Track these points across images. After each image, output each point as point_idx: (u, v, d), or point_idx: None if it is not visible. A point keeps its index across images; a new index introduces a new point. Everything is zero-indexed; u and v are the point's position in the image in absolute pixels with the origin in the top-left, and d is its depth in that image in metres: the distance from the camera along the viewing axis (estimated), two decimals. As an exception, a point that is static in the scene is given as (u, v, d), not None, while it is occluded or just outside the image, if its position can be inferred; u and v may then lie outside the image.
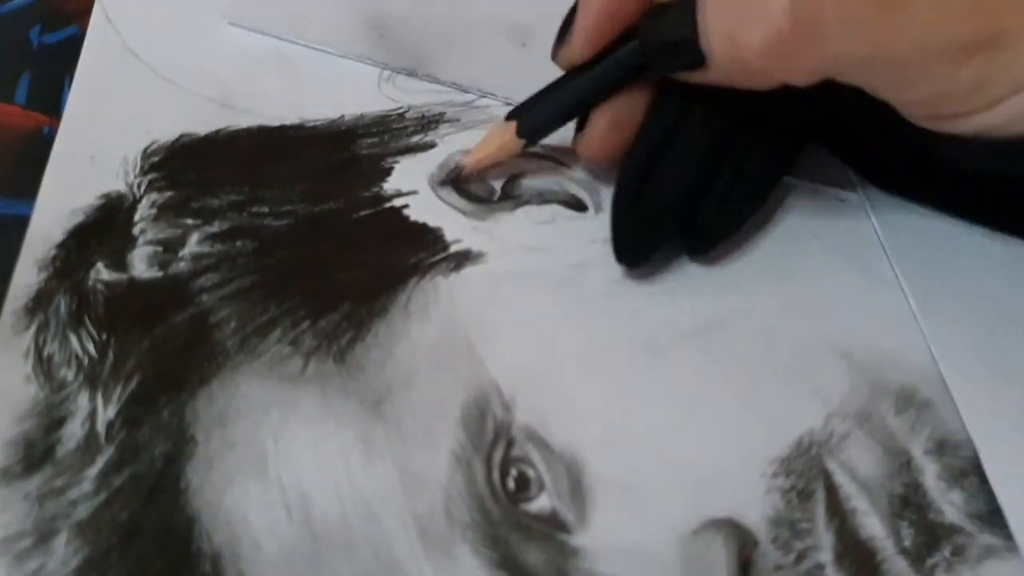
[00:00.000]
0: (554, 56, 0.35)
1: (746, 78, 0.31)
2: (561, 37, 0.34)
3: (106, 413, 0.31)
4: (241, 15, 0.42)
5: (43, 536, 0.29)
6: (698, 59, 0.31)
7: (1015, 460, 0.31)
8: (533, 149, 0.37)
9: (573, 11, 0.34)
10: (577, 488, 0.30)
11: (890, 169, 0.37)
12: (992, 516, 0.30)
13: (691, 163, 0.34)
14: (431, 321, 0.34)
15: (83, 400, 0.31)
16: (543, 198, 0.37)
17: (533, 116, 0.35)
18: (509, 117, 0.36)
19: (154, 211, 0.36)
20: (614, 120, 0.35)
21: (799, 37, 0.29)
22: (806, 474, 0.31)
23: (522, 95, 0.36)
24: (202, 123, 0.39)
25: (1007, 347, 0.34)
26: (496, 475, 0.31)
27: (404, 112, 0.39)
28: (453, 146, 0.38)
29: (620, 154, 0.35)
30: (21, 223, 0.35)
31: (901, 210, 0.37)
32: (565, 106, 0.35)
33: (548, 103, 0.35)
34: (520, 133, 0.35)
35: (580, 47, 0.34)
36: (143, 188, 0.37)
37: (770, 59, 0.29)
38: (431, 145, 0.38)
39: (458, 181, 0.37)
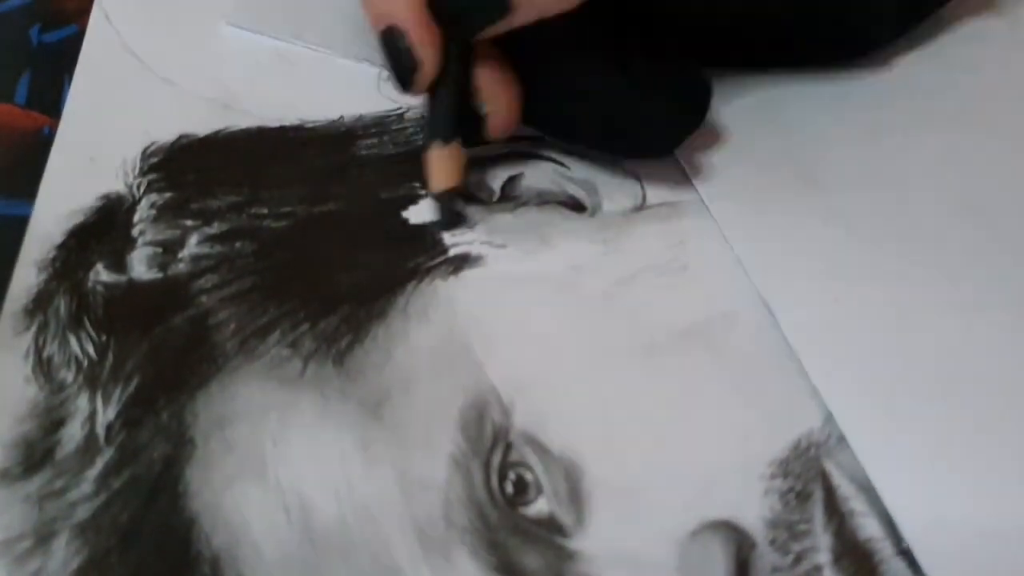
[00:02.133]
0: (409, 90, 0.34)
1: (553, 4, 0.31)
2: (403, 74, 0.34)
3: (106, 415, 0.31)
4: (241, 17, 0.42)
5: (43, 538, 0.29)
6: (503, 6, 0.31)
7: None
8: (533, 150, 0.37)
9: (393, 52, 0.33)
10: (575, 492, 0.30)
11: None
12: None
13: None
14: (430, 324, 0.34)
15: (83, 402, 0.31)
16: (542, 199, 0.37)
17: (440, 126, 0.35)
18: (427, 147, 0.35)
19: (153, 212, 0.36)
20: (496, 87, 0.35)
21: None
22: (804, 475, 0.31)
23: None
24: (201, 124, 0.39)
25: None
26: (495, 479, 0.31)
27: (403, 113, 0.39)
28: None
29: (520, 109, 0.35)
30: (21, 223, 0.35)
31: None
32: (453, 99, 0.35)
33: (440, 111, 0.35)
34: (446, 141, 0.35)
35: (428, 62, 0.33)
36: (142, 189, 0.37)
37: None
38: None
39: (442, 200, 0.36)
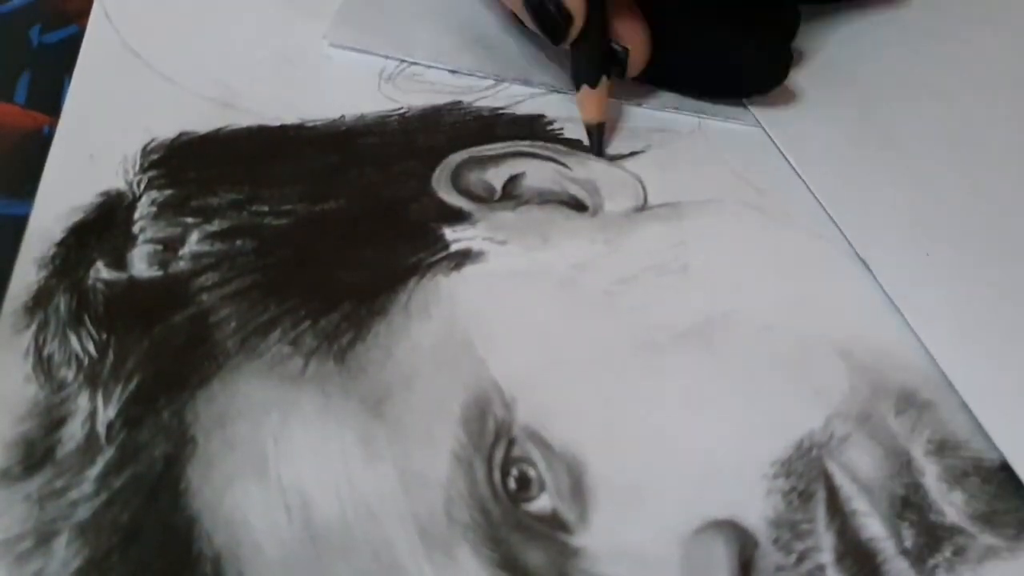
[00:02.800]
0: (562, 43, 0.37)
1: None
2: (557, 29, 0.37)
3: (106, 413, 0.31)
4: (342, 36, 0.42)
5: (44, 538, 0.29)
6: None
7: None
8: (535, 150, 0.38)
9: (543, 12, 0.37)
10: (578, 488, 0.30)
11: None
12: (993, 516, 0.30)
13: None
14: (432, 321, 0.34)
15: (83, 400, 0.31)
16: (543, 198, 0.37)
17: (587, 72, 0.39)
18: (579, 87, 0.39)
19: (154, 209, 0.36)
20: (632, 31, 0.38)
21: None
22: (807, 475, 0.31)
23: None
24: (202, 122, 0.39)
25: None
26: (497, 475, 0.31)
27: (404, 112, 0.39)
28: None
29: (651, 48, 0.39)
30: (21, 223, 0.35)
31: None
32: (596, 46, 0.38)
33: (586, 58, 0.39)
34: (592, 85, 0.39)
35: (578, 14, 0.36)
36: (143, 186, 0.37)
37: None
38: (431, 146, 0.38)
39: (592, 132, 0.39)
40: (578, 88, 0.39)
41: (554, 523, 0.30)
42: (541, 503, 0.30)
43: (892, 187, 0.38)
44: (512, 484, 0.30)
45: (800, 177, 0.38)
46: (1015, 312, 0.34)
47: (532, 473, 0.31)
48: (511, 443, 0.31)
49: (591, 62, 0.38)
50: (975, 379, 0.33)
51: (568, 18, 0.36)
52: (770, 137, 0.40)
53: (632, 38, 0.38)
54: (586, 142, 0.39)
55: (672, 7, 0.39)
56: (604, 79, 0.38)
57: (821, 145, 0.39)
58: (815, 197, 0.38)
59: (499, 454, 0.31)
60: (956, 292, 0.35)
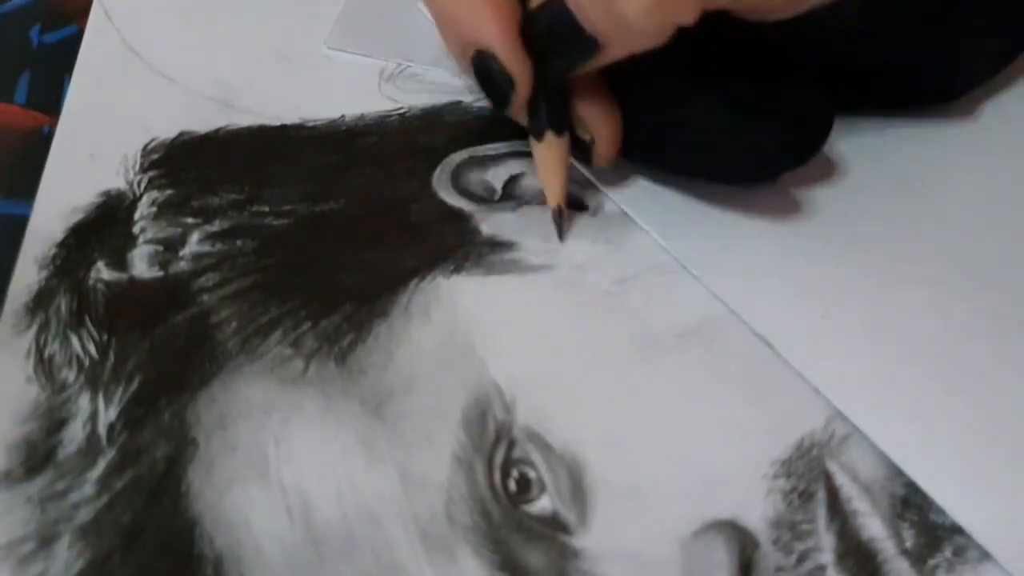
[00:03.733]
0: (506, 111, 0.34)
1: (642, 40, 0.31)
2: (499, 96, 0.34)
3: (107, 415, 0.31)
4: (342, 40, 0.42)
5: (45, 540, 0.29)
6: (591, 45, 0.31)
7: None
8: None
9: (486, 76, 0.33)
10: (578, 489, 0.30)
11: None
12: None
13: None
14: (432, 322, 0.34)
15: (84, 402, 0.31)
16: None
17: (544, 116, 0.35)
18: (538, 135, 0.35)
19: (154, 209, 0.36)
20: (598, 119, 0.35)
21: None
22: (807, 475, 0.31)
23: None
24: (202, 121, 0.39)
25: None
26: (497, 477, 0.31)
27: (404, 112, 0.39)
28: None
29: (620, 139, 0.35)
30: (21, 223, 0.35)
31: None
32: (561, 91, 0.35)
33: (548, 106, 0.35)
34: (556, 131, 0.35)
35: (522, 80, 0.33)
36: (143, 186, 0.37)
37: (657, 13, 0.30)
38: (432, 145, 0.38)
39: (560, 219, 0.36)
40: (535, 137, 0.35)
41: (554, 524, 0.30)
42: (541, 504, 0.30)
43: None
44: (512, 486, 0.30)
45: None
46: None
47: (532, 475, 0.31)
48: (511, 445, 0.31)
49: (540, 122, 0.35)
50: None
51: (511, 83, 0.33)
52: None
53: (597, 126, 0.35)
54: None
55: (657, 83, 0.35)
56: (555, 139, 0.35)
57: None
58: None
59: (499, 456, 0.31)
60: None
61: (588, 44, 0.31)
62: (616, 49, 0.31)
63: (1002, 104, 0.39)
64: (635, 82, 0.35)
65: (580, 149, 0.35)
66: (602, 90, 0.35)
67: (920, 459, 0.31)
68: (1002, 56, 0.39)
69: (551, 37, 0.32)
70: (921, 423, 0.31)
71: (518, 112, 0.35)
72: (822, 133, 0.34)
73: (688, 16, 0.30)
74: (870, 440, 0.31)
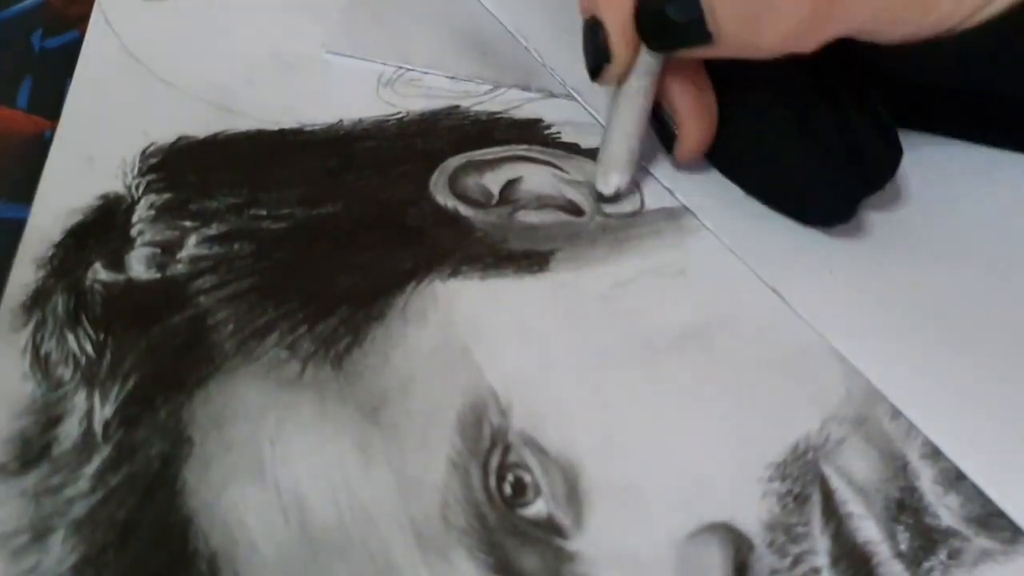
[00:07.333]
0: (596, 81, 0.35)
1: (757, 53, 0.32)
2: (594, 65, 0.35)
3: (103, 412, 0.31)
4: (340, 44, 0.42)
5: (39, 533, 0.29)
6: (703, 33, 0.32)
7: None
8: (532, 154, 0.38)
9: (590, 43, 0.34)
10: (573, 493, 0.30)
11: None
12: (988, 519, 0.30)
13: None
14: (429, 326, 0.34)
15: (80, 399, 0.31)
16: (540, 203, 0.37)
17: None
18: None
19: (152, 212, 0.36)
20: (689, 113, 0.36)
21: (820, 20, 0.30)
22: (802, 478, 0.31)
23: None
24: (201, 126, 0.39)
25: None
26: (493, 480, 0.30)
27: (402, 117, 0.39)
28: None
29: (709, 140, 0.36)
30: (21, 227, 0.35)
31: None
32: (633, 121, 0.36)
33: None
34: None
35: (619, 60, 0.34)
36: (141, 189, 0.37)
37: (790, 43, 0.30)
38: (429, 150, 0.39)
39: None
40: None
41: (549, 528, 0.30)
42: (536, 508, 0.30)
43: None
44: (508, 489, 0.30)
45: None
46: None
47: (528, 478, 0.31)
48: (507, 449, 0.31)
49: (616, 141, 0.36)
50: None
51: (607, 58, 0.34)
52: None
53: (685, 118, 0.36)
54: (583, 144, 0.39)
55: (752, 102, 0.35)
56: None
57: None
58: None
59: (495, 459, 0.31)
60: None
61: (699, 30, 0.32)
62: (725, 47, 0.32)
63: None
64: (727, 91, 0.35)
65: (667, 138, 0.36)
66: (697, 88, 0.35)
67: (960, 442, 0.32)
68: None
69: (669, 14, 0.32)
70: (961, 405, 0.32)
71: (606, 82, 0.35)
72: (891, 170, 0.35)
73: (814, 46, 0.31)
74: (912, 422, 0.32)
